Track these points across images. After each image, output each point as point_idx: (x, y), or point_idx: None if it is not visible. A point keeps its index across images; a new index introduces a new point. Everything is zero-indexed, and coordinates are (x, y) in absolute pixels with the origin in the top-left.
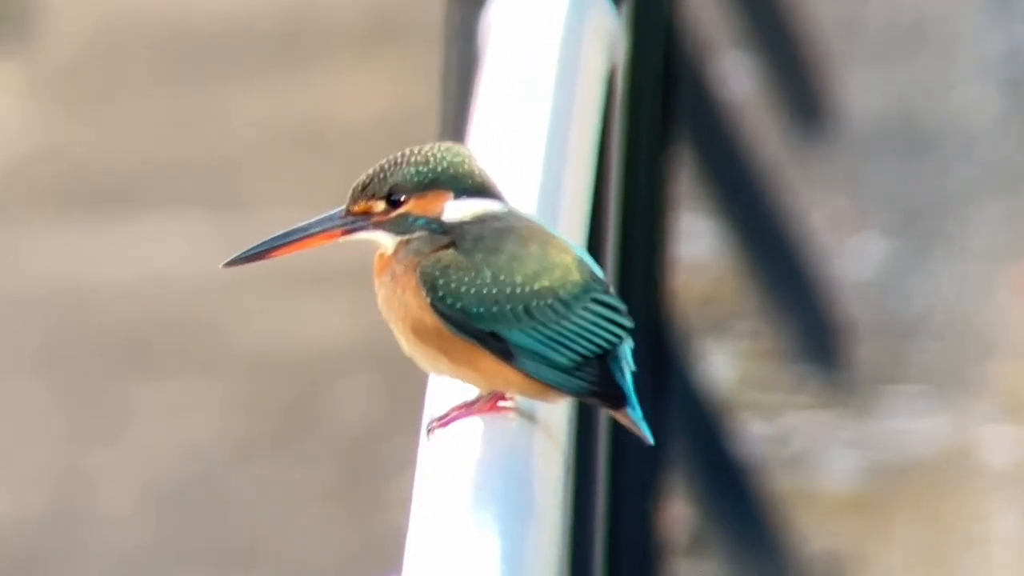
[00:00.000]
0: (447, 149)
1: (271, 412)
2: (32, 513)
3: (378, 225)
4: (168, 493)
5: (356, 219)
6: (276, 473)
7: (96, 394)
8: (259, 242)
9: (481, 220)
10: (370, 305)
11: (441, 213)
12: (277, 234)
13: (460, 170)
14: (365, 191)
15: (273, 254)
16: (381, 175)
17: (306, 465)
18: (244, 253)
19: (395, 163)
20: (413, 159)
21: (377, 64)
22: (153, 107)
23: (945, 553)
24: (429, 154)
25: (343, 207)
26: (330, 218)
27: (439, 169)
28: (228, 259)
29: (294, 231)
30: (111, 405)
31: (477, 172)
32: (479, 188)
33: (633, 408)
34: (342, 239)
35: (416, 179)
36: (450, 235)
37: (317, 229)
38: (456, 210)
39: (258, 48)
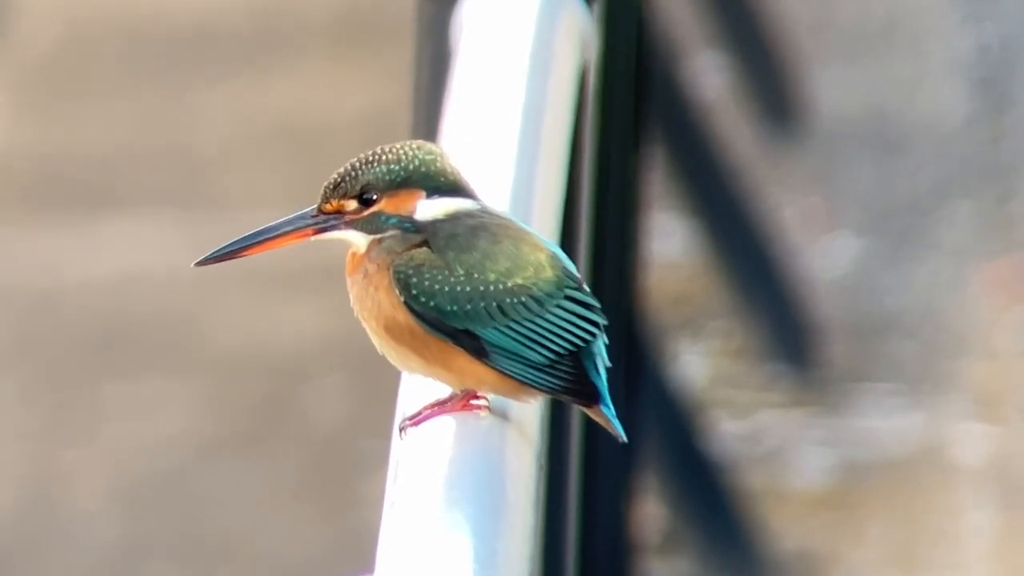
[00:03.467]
0: (419, 147)
1: (244, 410)
2: (3, 510)
3: (350, 224)
4: (140, 491)
5: (328, 218)
6: (248, 471)
7: (68, 392)
8: (230, 242)
9: (454, 218)
10: (343, 304)
11: (413, 212)
12: (248, 233)
13: (432, 168)
14: (337, 190)
15: (244, 253)
16: (353, 174)
17: (278, 463)
18: (215, 252)
19: (367, 162)
20: (385, 157)
21: (350, 62)
22: (126, 105)
23: (917, 550)
24: (401, 152)
25: (314, 206)
26: (301, 217)
27: (411, 167)
28: (199, 258)
29: (265, 230)
30: (83, 403)
31: (449, 170)
32: (451, 186)
33: (606, 405)
34: (314, 238)
35: (388, 178)
36: (423, 233)
37: (289, 228)
38: (428, 209)
39: (231, 46)
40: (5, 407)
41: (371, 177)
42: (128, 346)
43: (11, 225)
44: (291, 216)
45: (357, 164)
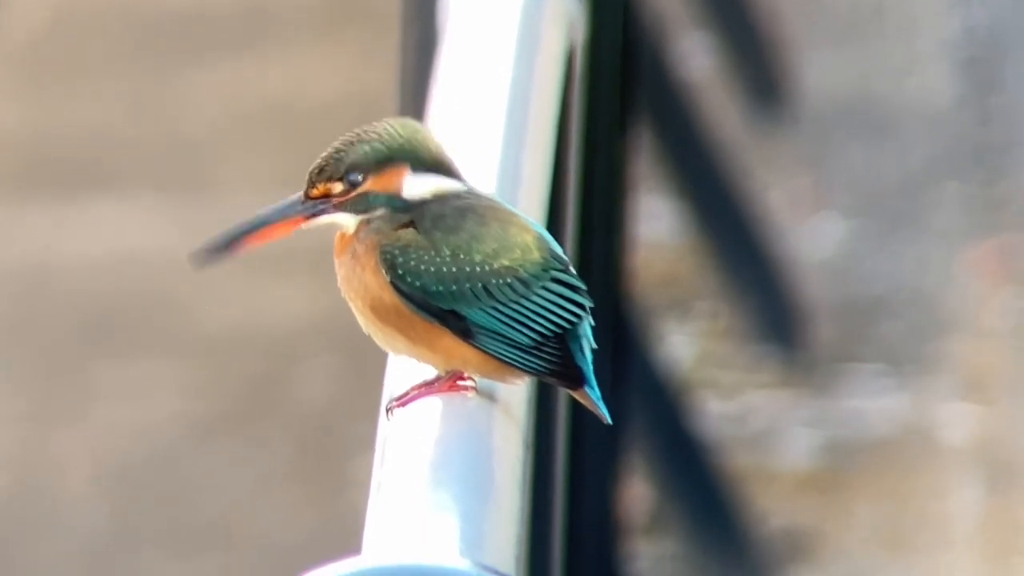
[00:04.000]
0: (399, 124)
1: (233, 392)
2: None
3: (339, 207)
4: (130, 473)
5: (316, 203)
6: (238, 453)
7: (57, 374)
8: (221, 237)
9: (442, 199)
10: (332, 286)
11: (400, 189)
12: (238, 227)
13: (414, 143)
14: (322, 174)
15: (237, 248)
16: (336, 156)
17: (268, 445)
18: (208, 250)
19: (349, 143)
20: (367, 137)
21: (337, 45)
22: (114, 88)
23: (904, 530)
24: (382, 130)
25: (300, 193)
26: (290, 205)
27: (394, 145)
28: (193, 256)
29: (255, 222)
30: (72, 385)
31: (432, 145)
32: (435, 161)
33: (592, 387)
34: (304, 226)
35: (372, 156)
36: (410, 213)
37: (278, 218)
38: (415, 185)
39: (219, 29)
40: None
41: (355, 158)
42: (117, 328)
43: (0, 207)
44: (278, 205)
45: (340, 146)
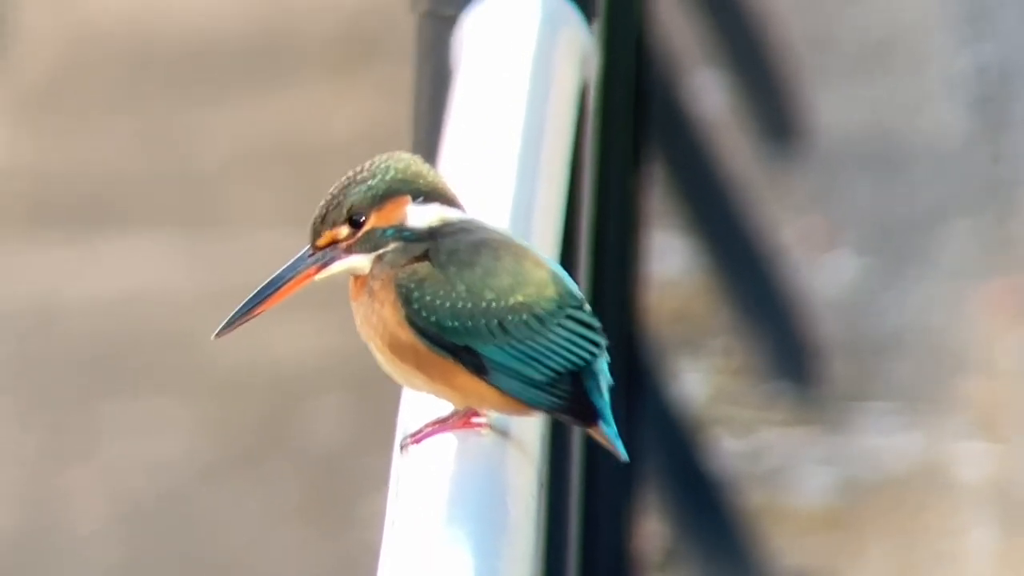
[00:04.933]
0: (389, 157)
1: (243, 430)
2: (3, 531)
3: (348, 250)
4: (139, 511)
5: (324, 252)
6: (248, 491)
7: (67, 412)
8: (237, 308)
9: (454, 232)
10: (342, 322)
11: (405, 219)
12: (252, 297)
13: (408, 173)
14: (325, 221)
15: (256, 312)
16: (335, 202)
17: (278, 483)
18: (230, 320)
19: (346, 185)
20: (361, 176)
21: (350, 81)
22: (126, 124)
23: (917, 569)
24: (374, 167)
25: (308, 247)
26: (299, 261)
27: (388, 177)
28: (217, 331)
29: (269, 285)
30: (82, 423)
31: (429, 174)
32: (434, 189)
33: (608, 424)
34: (318, 277)
35: (370, 193)
36: (423, 244)
37: (290, 275)
38: (419, 214)
39: (232, 65)
40: (4, 427)
41: (355, 198)
42: (127, 366)
43: (11, 244)
44: (288, 263)
45: (337, 191)
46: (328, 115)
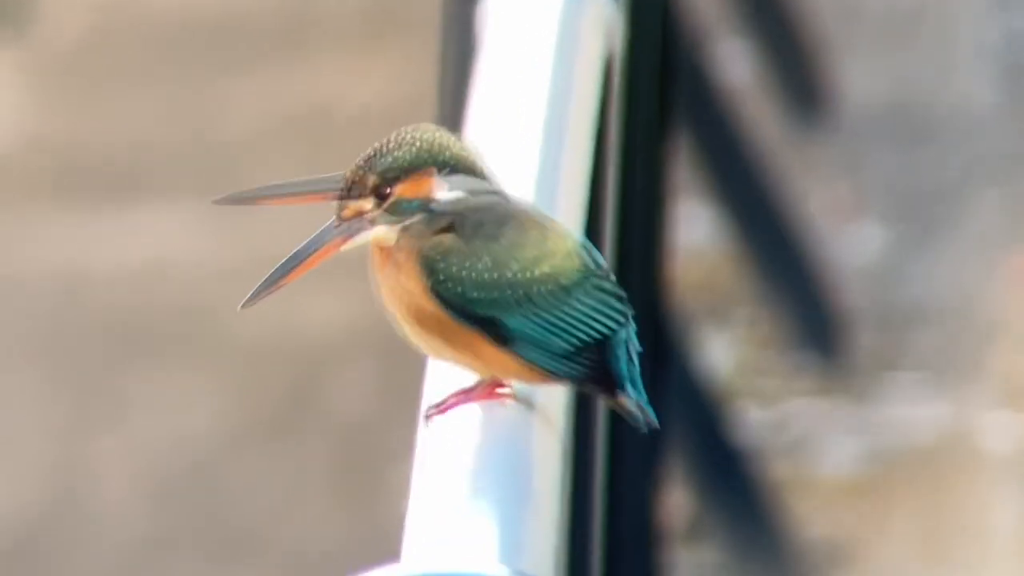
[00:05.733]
0: (415, 128)
1: (269, 401)
2: (29, 504)
3: (374, 221)
4: (166, 482)
5: (351, 224)
6: (275, 462)
7: (93, 384)
8: (263, 283)
9: (479, 205)
10: (367, 292)
11: (431, 191)
12: (278, 269)
13: (436, 146)
14: (351, 193)
15: (283, 283)
16: (360, 173)
17: (305, 453)
18: (256, 291)
19: (371, 157)
20: (387, 148)
21: (376, 53)
22: (151, 96)
23: (944, 539)
24: (400, 139)
25: (334, 218)
26: (326, 231)
27: (414, 149)
28: (243, 301)
29: (295, 256)
30: (108, 395)
31: (455, 145)
32: (461, 161)
33: (639, 392)
34: (344, 247)
35: (397, 165)
36: (448, 216)
37: (317, 246)
38: (446, 186)
39: (257, 38)
40: (30, 399)
41: (380, 169)
42: (154, 336)
43: (37, 215)
44: (314, 235)
45: (362, 163)
46: (355, 87)
